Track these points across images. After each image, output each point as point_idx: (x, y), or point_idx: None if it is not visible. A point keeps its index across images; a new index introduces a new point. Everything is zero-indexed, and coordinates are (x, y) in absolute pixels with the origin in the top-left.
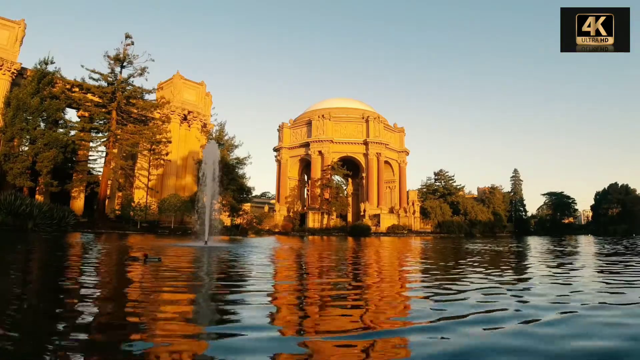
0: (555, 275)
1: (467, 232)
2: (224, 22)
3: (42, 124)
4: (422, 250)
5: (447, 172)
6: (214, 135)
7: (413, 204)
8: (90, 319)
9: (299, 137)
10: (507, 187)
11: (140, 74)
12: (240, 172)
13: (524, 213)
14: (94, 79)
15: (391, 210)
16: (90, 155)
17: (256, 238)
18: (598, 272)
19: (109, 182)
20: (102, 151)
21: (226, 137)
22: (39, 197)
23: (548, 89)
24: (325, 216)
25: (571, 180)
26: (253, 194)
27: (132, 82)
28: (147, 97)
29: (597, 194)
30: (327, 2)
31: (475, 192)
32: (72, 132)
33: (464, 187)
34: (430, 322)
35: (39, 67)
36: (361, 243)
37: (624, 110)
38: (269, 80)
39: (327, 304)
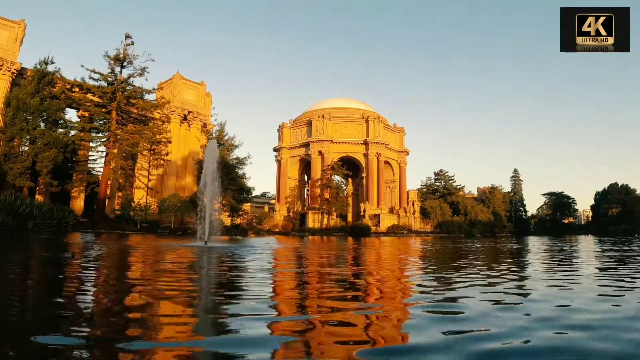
0: None
1: (467, 232)
2: (224, 22)
3: (42, 124)
4: (426, 254)
5: (447, 172)
6: (214, 135)
7: (413, 204)
8: None
9: (299, 137)
10: (507, 187)
11: (140, 74)
12: (240, 172)
13: (524, 213)
14: (94, 79)
15: (391, 210)
16: (90, 155)
17: (256, 238)
18: None
19: (109, 182)
20: (102, 151)
21: (226, 137)
22: (39, 197)
23: (548, 89)
24: (325, 216)
25: (571, 180)
26: (253, 194)
27: (132, 82)
28: (147, 97)
29: (597, 194)
30: (327, 2)
31: (475, 192)
32: (72, 132)
33: (464, 187)
34: None
35: (39, 67)
36: (362, 243)
37: (624, 111)
38: (269, 80)
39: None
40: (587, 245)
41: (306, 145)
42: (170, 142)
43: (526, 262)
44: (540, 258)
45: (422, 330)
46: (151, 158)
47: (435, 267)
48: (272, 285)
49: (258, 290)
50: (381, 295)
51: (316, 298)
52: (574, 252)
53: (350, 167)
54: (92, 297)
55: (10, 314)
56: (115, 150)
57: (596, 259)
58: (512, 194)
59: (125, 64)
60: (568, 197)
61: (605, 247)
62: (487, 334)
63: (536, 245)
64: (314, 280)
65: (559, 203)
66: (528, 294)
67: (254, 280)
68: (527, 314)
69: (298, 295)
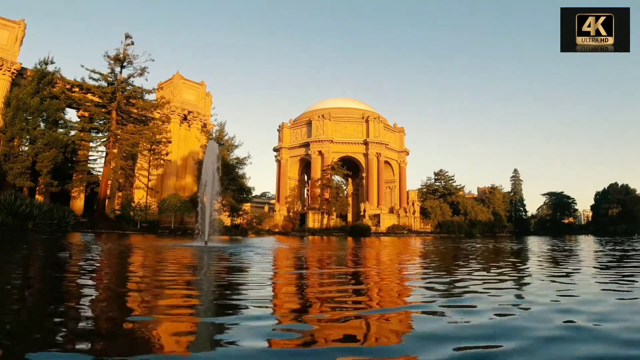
0: None
1: (467, 232)
2: (224, 22)
3: (42, 124)
4: (429, 253)
5: (447, 172)
6: (214, 135)
7: (413, 204)
8: None
9: (299, 137)
10: (507, 187)
11: (140, 74)
12: (240, 172)
13: (524, 213)
14: (94, 79)
15: (391, 210)
16: (90, 155)
17: (256, 238)
18: None
19: (109, 182)
20: (102, 151)
21: (226, 137)
22: (39, 197)
23: (548, 89)
24: (325, 216)
25: (571, 180)
26: (253, 194)
27: (132, 82)
28: (147, 97)
29: (597, 194)
30: (327, 3)
31: (475, 192)
32: (72, 132)
33: (464, 187)
34: None
35: (39, 67)
36: (362, 244)
37: (624, 111)
38: (269, 80)
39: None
40: (590, 245)
41: (306, 145)
42: (170, 142)
43: (540, 262)
44: (551, 258)
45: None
46: (151, 158)
47: (453, 271)
48: (274, 290)
49: (259, 295)
50: (380, 297)
51: (320, 304)
52: (582, 252)
53: (350, 167)
54: (87, 304)
55: None
56: (115, 150)
57: (598, 259)
58: (512, 194)
59: (125, 64)
60: (568, 197)
61: (609, 247)
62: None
63: (539, 246)
64: (317, 282)
65: (559, 203)
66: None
67: (255, 283)
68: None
69: (302, 301)
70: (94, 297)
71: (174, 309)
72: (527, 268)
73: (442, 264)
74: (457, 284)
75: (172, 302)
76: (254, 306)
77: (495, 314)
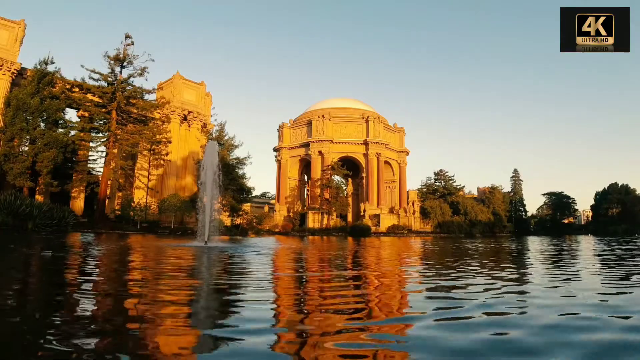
0: None
1: (467, 232)
2: (224, 23)
3: (42, 124)
4: (431, 254)
5: (447, 172)
6: (214, 135)
7: (413, 204)
8: None
9: (299, 137)
10: (507, 187)
11: (140, 74)
12: (240, 172)
13: (524, 213)
14: (94, 79)
15: (391, 210)
16: (90, 155)
17: (256, 238)
18: None
19: (109, 182)
20: (102, 151)
21: (226, 137)
22: (39, 197)
23: (548, 89)
24: (325, 216)
25: (571, 180)
26: (253, 194)
27: (132, 82)
28: (147, 97)
29: (597, 194)
30: (327, 3)
31: (475, 192)
32: (72, 132)
33: (464, 187)
34: None
35: (39, 67)
36: (362, 244)
37: (624, 111)
38: (269, 80)
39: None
40: (592, 246)
41: (306, 145)
42: (170, 142)
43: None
44: (558, 259)
45: None
46: (151, 158)
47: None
48: (275, 295)
49: (260, 300)
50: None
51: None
52: (589, 252)
53: (350, 167)
54: (71, 305)
55: None
56: (115, 150)
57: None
58: (512, 194)
59: (125, 64)
60: (568, 197)
61: (612, 246)
62: None
63: (542, 245)
64: (317, 288)
65: (559, 203)
66: None
67: (256, 286)
68: None
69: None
70: (75, 296)
71: (162, 318)
72: (570, 273)
73: (445, 265)
74: (468, 291)
75: (160, 307)
76: (251, 309)
77: None
